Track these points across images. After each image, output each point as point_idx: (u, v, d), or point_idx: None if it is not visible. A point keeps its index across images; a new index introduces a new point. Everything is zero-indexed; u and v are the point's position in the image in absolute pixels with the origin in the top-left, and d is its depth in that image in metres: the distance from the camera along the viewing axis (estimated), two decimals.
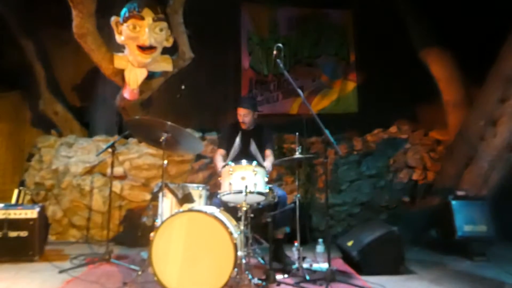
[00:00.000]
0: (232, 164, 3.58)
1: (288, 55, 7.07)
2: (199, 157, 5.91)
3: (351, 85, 7.21)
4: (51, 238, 5.34)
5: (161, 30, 5.01)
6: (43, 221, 4.49)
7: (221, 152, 4.44)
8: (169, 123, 3.34)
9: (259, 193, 3.50)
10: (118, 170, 5.61)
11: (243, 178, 3.48)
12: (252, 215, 3.57)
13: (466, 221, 4.77)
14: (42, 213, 4.44)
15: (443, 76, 6.27)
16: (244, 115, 4.31)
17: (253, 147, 4.24)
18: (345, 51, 7.37)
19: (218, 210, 3.37)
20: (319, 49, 7.35)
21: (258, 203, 3.70)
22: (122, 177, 5.69)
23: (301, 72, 7.19)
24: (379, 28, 6.59)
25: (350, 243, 4.18)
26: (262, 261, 3.96)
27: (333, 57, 7.35)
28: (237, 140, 4.29)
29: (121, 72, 5.25)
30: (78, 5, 4.70)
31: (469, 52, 5.85)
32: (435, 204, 5.47)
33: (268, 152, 4.37)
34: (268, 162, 4.18)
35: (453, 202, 4.87)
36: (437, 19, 6.12)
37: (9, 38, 6.13)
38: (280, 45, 3.61)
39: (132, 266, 3.92)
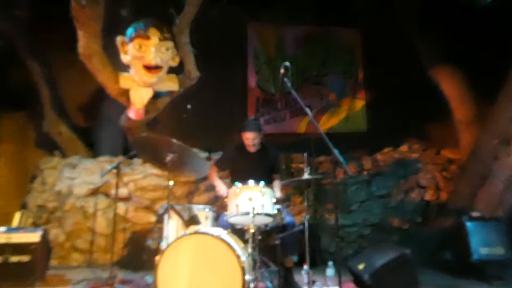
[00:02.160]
0: (239, 184, 3.57)
1: (295, 73, 7.13)
2: (205, 177, 5.90)
3: (359, 103, 7.23)
4: (53, 262, 5.28)
5: (167, 49, 5.07)
6: (45, 245, 4.46)
7: (215, 168, 4.47)
8: (174, 140, 3.35)
9: (267, 215, 3.48)
10: (123, 192, 5.60)
11: (250, 199, 3.47)
12: (260, 237, 3.54)
13: (482, 243, 4.70)
14: (44, 236, 4.40)
15: (454, 94, 6.28)
16: (254, 139, 4.30)
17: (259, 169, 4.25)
18: (353, 69, 7.42)
19: (225, 232, 3.35)
20: (327, 67, 7.40)
21: (266, 225, 3.67)
22: (126, 199, 5.69)
23: (309, 90, 7.22)
24: (388, 45, 6.63)
25: (361, 266, 4.12)
26: (270, 285, 3.90)
27: (341, 75, 7.40)
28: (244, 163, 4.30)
29: (126, 92, 5.30)
30: (83, 26, 4.78)
31: (481, 69, 5.85)
32: (449, 225, 5.40)
33: (276, 176, 4.40)
34: (278, 191, 4.17)
35: (468, 223, 4.82)
36: (447, 36, 6.15)
37: (14, 58, 6.22)
38: (287, 63, 3.63)
39: None
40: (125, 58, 5.10)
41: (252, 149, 4.35)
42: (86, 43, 4.90)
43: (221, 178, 4.51)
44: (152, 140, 3.58)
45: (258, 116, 6.93)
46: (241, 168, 4.33)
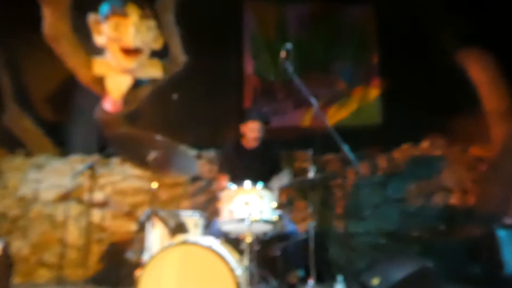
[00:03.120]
0: (234, 186, 3.59)
1: (299, 58, 7.07)
2: (194, 179, 5.92)
3: (373, 93, 7.24)
4: (16, 280, 5.26)
5: (148, 29, 5.08)
6: (6, 260, 4.42)
7: (225, 177, 4.47)
8: (158, 137, 3.36)
9: (266, 222, 3.50)
10: (98, 196, 5.60)
11: (246, 204, 3.49)
12: (258, 248, 3.56)
13: None
14: (5, 250, 4.37)
15: (484, 81, 6.27)
16: (259, 130, 4.33)
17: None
18: (366, 53, 7.42)
19: (218, 241, 3.36)
20: (336, 51, 7.40)
21: (265, 234, 3.69)
22: (102, 204, 5.69)
23: (315, 78, 7.22)
24: (407, 24, 6.64)
25: (376, 281, 4.15)
26: None
27: (352, 61, 7.40)
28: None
29: (101, 80, 5.30)
30: (49, 2, 4.78)
31: None
32: (478, 234, 5.43)
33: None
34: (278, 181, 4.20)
35: (500, 232, 4.84)
36: (477, 14, 6.14)
37: None
38: (289, 45, 3.64)
39: None
40: (99, 40, 5.11)
41: (252, 144, 4.36)
42: (53, 22, 4.91)
43: None
44: (131, 136, 3.59)
45: (255, 108, 6.93)
46: (237, 168, 4.34)
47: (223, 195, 3.68)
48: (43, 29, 5.00)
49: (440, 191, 6.19)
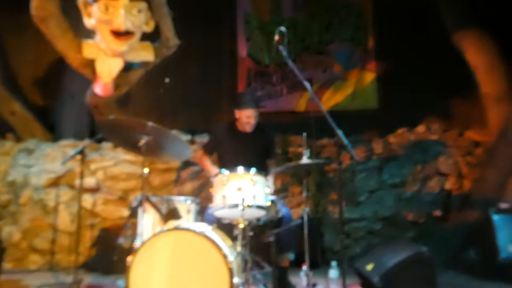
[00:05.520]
0: (226, 172, 3.59)
1: (294, 40, 7.12)
2: (187, 164, 5.93)
3: (369, 76, 7.23)
4: (7, 265, 5.31)
5: (139, 11, 5.04)
6: None
7: (203, 152, 4.52)
8: (150, 123, 3.35)
9: (259, 207, 3.51)
10: (90, 181, 5.63)
11: (239, 189, 3.49)
12: (251, 234, 3.58)
13: None
14: None
15: (481, 64, 6.26)
16: (255, 117, 4.29)
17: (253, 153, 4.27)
18: (362, 35, 7.39)
19: (210, 227, 3.37)
20: (331, 33, 7.38)
21: (258, 219, 3.71)
22: (94, 190, 5.72)
23: (310, 61, 7.21)
24: (404, 5, 6.61)
25: (370, 267, 4.18)
26: None
27: (348, 43, 7.38)
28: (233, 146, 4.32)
29: (91, 63, 5.27)
30: None
31: None
32: (473, 219, 5.48)
33: (270, 162, 4.47)
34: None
35: (495, 217, 4.86)
36: None
37: None
38: (282, 28, 3.62)
39: None
40: (88, 22, 5.06)
41: (247, 128, 4.33)
42: (41, 3, 4.85)
43: None
44: (121, 122, 3.57)
45: (249, 91, 6.92)
46: (231, 151, 4.34)
47: (216, 180, 3.69)
48: (30, 10, 4.94)
49: (436, 176, 6.21)
